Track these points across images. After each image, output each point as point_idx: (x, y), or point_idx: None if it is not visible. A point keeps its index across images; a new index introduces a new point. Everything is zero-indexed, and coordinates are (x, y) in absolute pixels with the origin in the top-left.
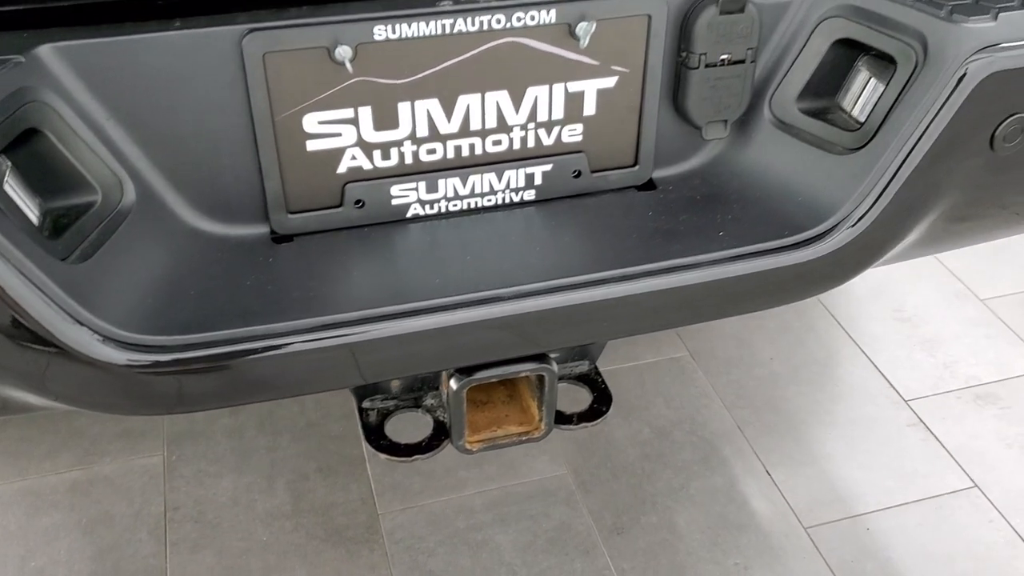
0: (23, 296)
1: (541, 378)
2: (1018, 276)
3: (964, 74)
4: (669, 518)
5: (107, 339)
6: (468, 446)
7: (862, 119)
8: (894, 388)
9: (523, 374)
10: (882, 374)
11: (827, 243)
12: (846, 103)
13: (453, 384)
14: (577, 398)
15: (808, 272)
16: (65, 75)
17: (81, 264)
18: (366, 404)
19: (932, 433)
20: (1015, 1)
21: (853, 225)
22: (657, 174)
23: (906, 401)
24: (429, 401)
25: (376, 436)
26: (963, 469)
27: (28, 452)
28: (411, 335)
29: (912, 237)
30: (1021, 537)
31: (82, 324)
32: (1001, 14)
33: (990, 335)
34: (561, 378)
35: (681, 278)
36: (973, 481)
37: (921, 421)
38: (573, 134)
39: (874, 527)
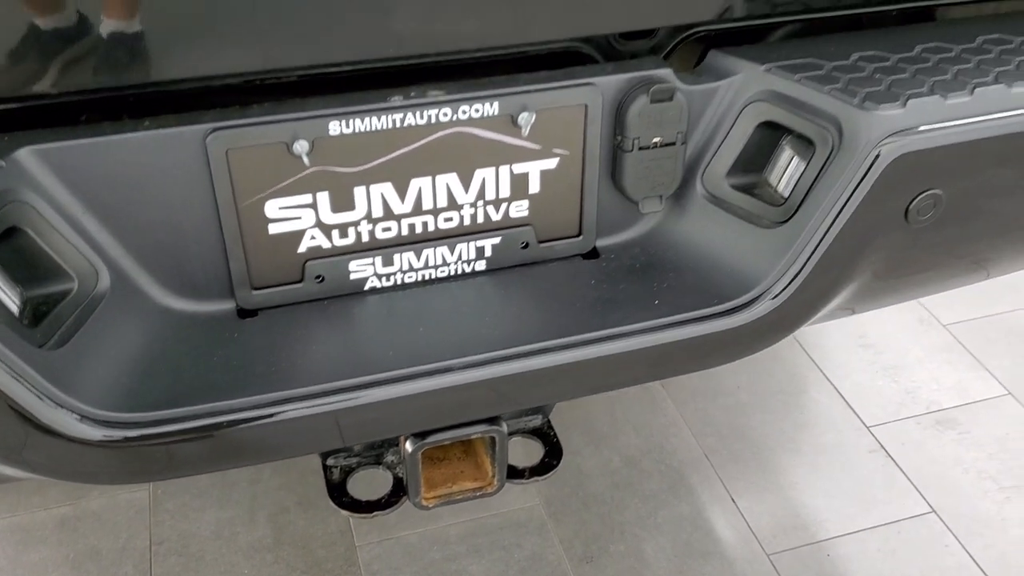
0: (4, 383)
1: (493, 438)
2: (980, 301)
3: (877, 155)
4: (637, 546)
5: (84, 418)
6: (424, 503)
7: (786, 195)
8: (857, 415)
9: (475, 436)
10: (845, 401)
11: (751, 312)
12: (772, 179)
13: (408, 446)
14: (530, 451)
15: (734, 338)
16: (43, 175)
17: (59, 350)
18: (330, 462)
19: (892, 459)
20: (924, 87)
21: (775, 296)
22: (601, 243)
23: (868, 427)
24: (390, 458)
25: (339, 493)
26: (921, 494)
27: (17, 489)
28: (366, 406)
29: (837, 302)
30: (975, 561)
31: (60, 406)
32: (910, 101)
33: (951, 360)
34: (515, 432)
35: (619, 345)
36: (931, 506)
37: (882, 447)
38: (520, 209)
39: (834, 553)
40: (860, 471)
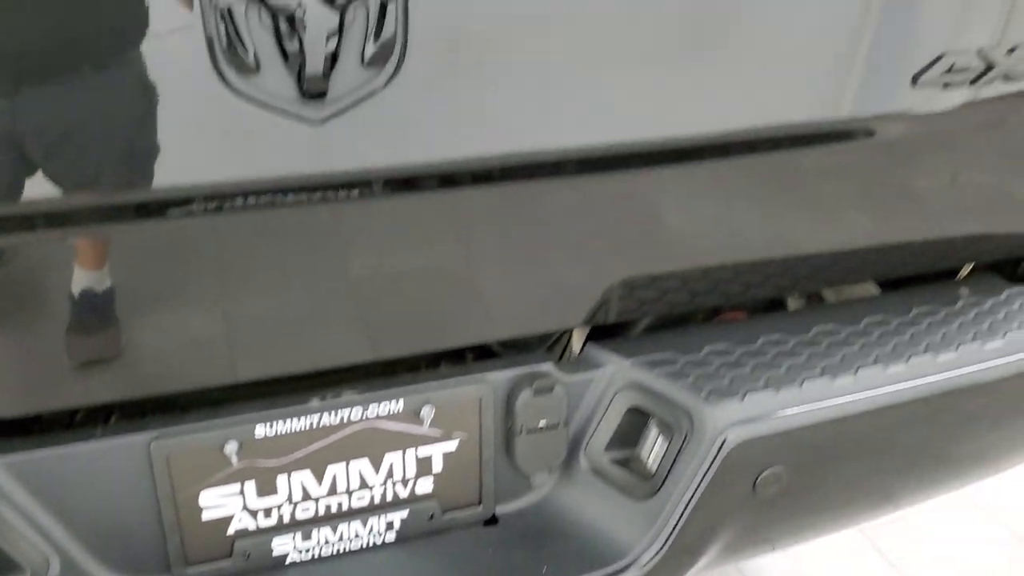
0: None
1: None
2: None
3: (724, 440)
4: None
5: None
6: None
7: (653, 470)
8: None
9: None
10: None
11: None
12: (643, 455)
13: None
14: None
15: None
16: (6, 482)
17: None
18: None
19: None
20: (760, 382)
21: (644, 564)
22: (500, 510)
23: None
24: None
25: None
26: None
27: None
28: None
29: (708, 559)
30: None
31: None
32: (748, 395)
33: (866, 565)
34: None
35: None
36: None
37: None
38: (425, 485)
39: None
40: None
